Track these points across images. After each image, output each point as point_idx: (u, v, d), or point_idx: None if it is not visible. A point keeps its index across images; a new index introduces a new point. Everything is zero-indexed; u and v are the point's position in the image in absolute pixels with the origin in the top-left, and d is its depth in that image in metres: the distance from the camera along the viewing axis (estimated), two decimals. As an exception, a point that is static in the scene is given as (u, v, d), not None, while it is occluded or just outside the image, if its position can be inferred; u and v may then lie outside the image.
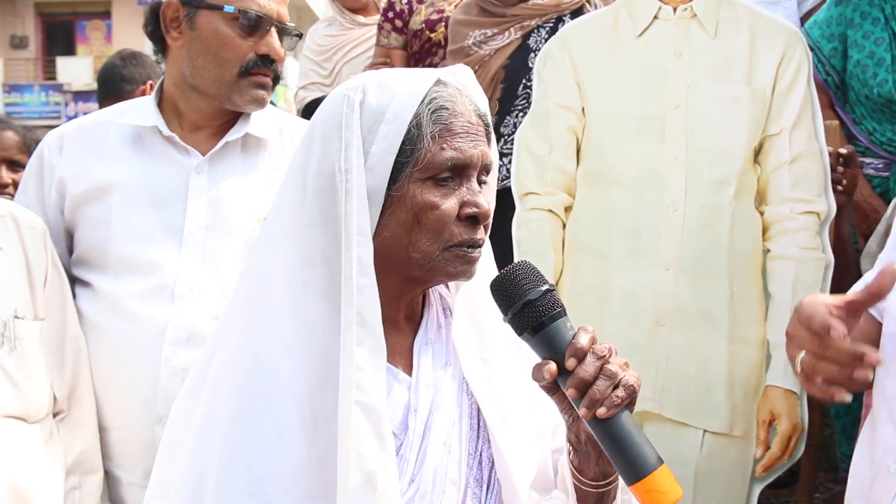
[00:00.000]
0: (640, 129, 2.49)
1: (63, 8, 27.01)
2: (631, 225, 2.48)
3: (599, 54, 2.56)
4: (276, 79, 2.04)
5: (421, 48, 3.42)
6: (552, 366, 1.16)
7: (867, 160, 2.95)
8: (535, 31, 2.94)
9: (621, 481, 1.28)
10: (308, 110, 4.02)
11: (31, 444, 1.80)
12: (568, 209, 2.56)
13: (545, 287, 1.19)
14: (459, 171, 1.25)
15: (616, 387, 1.14)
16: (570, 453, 1.30)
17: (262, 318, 1.25)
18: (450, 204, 1.24)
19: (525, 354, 1.31)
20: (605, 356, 1.15)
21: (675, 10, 2.52)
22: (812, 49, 2.88)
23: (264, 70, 2.00)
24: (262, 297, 1.26)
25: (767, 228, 2.48)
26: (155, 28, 2.02)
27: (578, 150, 2.57)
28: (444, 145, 1.23)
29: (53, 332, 1.90)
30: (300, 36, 2.09)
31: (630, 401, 1.15)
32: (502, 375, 1.35)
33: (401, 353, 1.32)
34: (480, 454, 1.32)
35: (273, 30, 2.00)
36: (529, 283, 1.19)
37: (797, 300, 2.40)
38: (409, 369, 1.32)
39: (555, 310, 1.18)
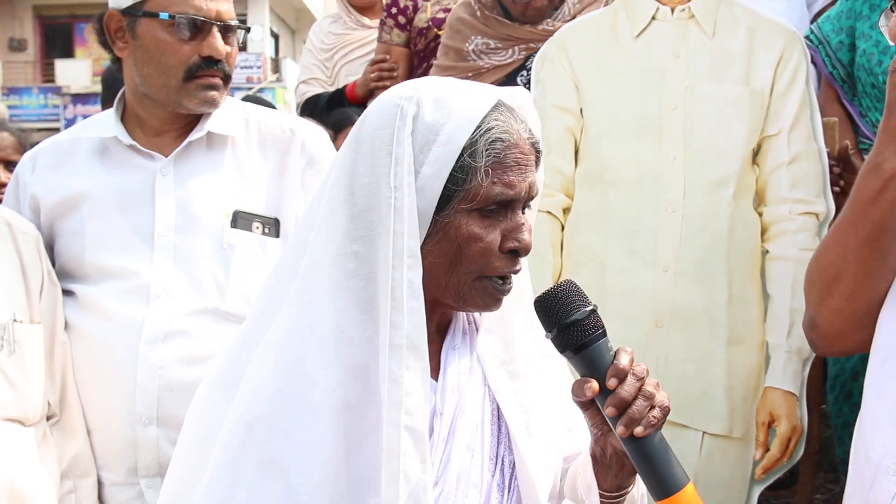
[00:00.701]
0: (638, 130, 2.48)
1: (61, 10, 27.03)
2: (629, 226, 2.47)
3: (597, 55, 2.55)
4: (227, 77, 2.04)
5: (426, 46, 3.38)
6: (595, 384, 1.20)
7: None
8: None
9: (632, 492, 1.34)
10: (307, 106, 3.99)
11: (28, 447, 1.80)
12: (566, 211, 2.56)
13: (590, 308, 1.23)
14: (505, 204, 1.26)
15: (653, 407, 1.19)
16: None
17: (303, 329, 1.24)
18: (493, 237, 1.25)
19: (550, 368, 1.37)
20: (643, 378, 1.20)
21: (672, 10, 2.51)
22: (821, 42, 2.89)
23: (210, 71, 2.00)
24: (304, 307, 1.25)
25: (766, 229, 2.48)
26: (105, 40, 2.04)
27: (577, 152, 2.56)
28: (496, 179, 1.23)
29: (46, 337, 1.91)
30: (248, 30, 2.09)
31: (663, 421, 1.20)
32: (531, 388, 1.37)
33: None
34: (502, 459, 1.34)
35: (214, 30, 1.99)
36: (575, 303, 1.22)
37: (796, 301, 2.42)
38: (435, 374, 1.32)
39: (597, 330, 1.23)
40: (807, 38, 2.93)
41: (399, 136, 1.21)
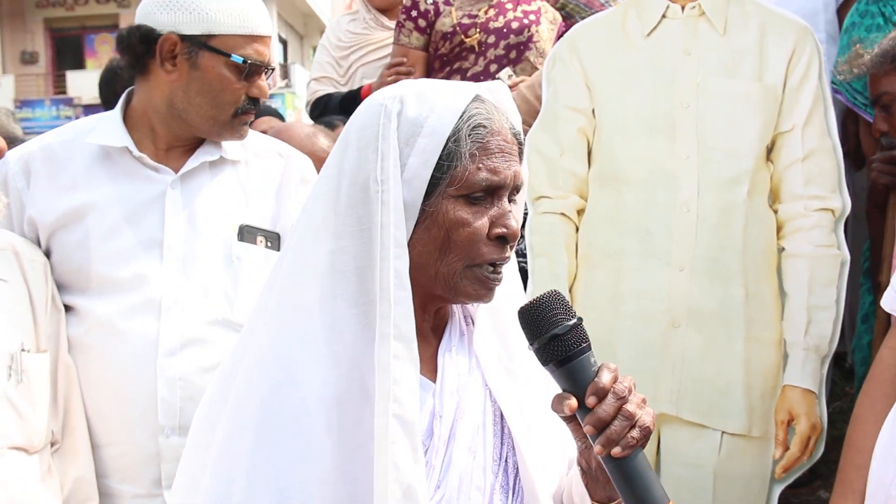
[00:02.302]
0: (651, 128, 2.47)
1: (72, 22, 27.25)
2: (643, 226, 2.46)
3: (608, 55, 2.55)
4: (256, 113, 2.13)
5: (451, 51, 3.35)
6: (573, 401, 1.19)
7: None
8: None
9: None
10: (317, 105, 3.95)
11: (32, 475, 1.81)
12: (580, 212, 2.55)
13: (573, 321, 1.20)
14: (492, 191, 1.27)
15: (632, 427, 1.17)
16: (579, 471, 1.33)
17: (292, 328, 1.25)
18: (481, 222, 1.25)
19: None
20: (624, 396, 1.18)
21: (683, 8, 2.50)
22: (854, 91, 2.93)
23: (251, 110, 2.07)
24: (292, 307, 1.26)
25: (781, 226, 2.46)
26: (144, 52, 2.01)
27: (590, 152, 2.55)
28: (480, 165, 1.25)
29: (50, 363, 1.90)
30: (273, 71, 2.15)
31: (644, 441, 1.18)
32: (528, 385, 1.36)
33: (425, 360, 1.32)
34: (506, 461, 1.33)
35: (263, 73, 2.06)
36: (558, 315, 1.20)
37: (813, 298, 2.40)
38: (433, 375, 1.33)
39: (581, 345, 1.20)
40: (832, 81, 2.96)
41: (384, 132, 1.24)
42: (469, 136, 1.24)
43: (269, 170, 2.16)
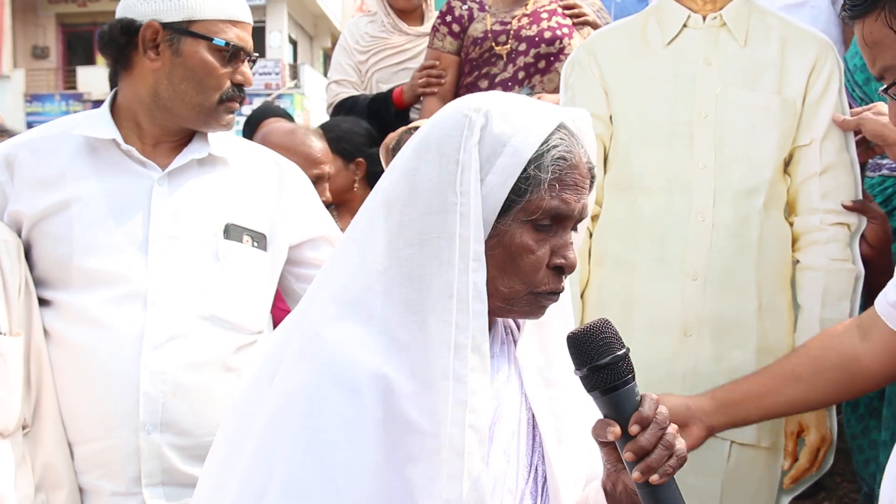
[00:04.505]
0: (669, 137, 2.47)
1: (83, 18, 27.39)
2: (658, 234, 2.46)
3: (627, 62, 2.55)
4: (242, 102, 2.15)
5: (480, 56, 3.37)
6: (617, 429, 1.23)
7: (885, 161, 2.95)
8: None
9: None
10: (341, 108, 3.92)
11: (7, 460, 1.81)
12: (595, 218, 2.55)
13: (622, 352, 1.24)
14: (558, 220, 1.30)
15: (671, 456, 1.23)
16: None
17: (349, 334, 1.25)
18: (544, 251, 1.29)
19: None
20: (665, 427, 1.23)
21: (704, 18, 2.51)
22: (854, 83, 2.92)
23: (237, 97, 2.09)
24: (351, 310, 1.26)
25: (797, 239, 2.46)
26: (125, 45, 2.03)
27: (606, 159, 2.56)
28: (554, 194, 1.27)
29: (23, 346, 1.89)
30: (255, 61, 2.17)
31: (677, 469, 1.24)
32: (565, 395, 1.40)
33: None
34: (536, 468, 1.36)
35: (246, 60, 2.09)
36: (608, 345, 1.24)
37: (826, 312, 2.40)
38: None
39: (627, 375, 1.25)
40: None
41: (466, 144, 1.26)
42: (550, 165, 1.27)
43: (260, 173, 2.18)
